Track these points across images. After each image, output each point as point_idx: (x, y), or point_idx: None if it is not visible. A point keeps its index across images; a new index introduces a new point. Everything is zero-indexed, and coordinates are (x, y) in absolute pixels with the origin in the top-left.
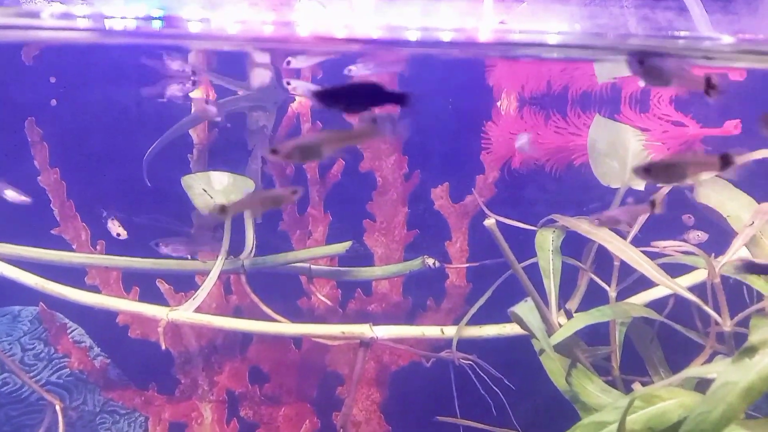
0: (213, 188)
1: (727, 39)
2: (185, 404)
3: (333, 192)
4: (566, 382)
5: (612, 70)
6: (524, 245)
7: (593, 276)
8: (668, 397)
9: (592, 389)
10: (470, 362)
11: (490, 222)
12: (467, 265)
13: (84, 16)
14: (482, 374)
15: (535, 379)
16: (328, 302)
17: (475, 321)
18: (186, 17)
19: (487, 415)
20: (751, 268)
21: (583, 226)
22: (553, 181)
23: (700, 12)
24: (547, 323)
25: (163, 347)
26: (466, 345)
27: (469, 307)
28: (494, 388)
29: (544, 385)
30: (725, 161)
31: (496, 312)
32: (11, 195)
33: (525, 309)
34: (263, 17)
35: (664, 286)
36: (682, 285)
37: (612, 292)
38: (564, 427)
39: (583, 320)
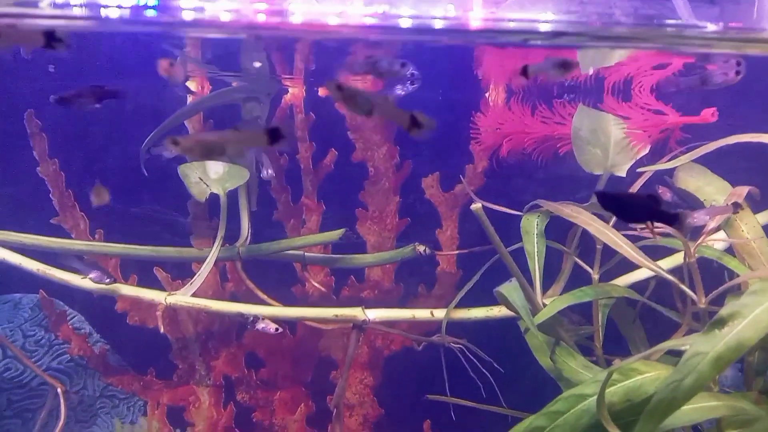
0: (209, 177)
1: (711, 27)
2: (183, 389)
3: (326, 182)
4: (550, 360)
5: (594, 59)
6: (511, 232)
7: (577, 259)
8: (645, 370)
9: (574, 366)
10: (460, 346)
11: (476, 206)
12: (457, 252)
13: (80, 5)
14: (472, 357)
15: (522, 360)
16: (322, 289)
17: (465, 305)
18: (180, 5)
19: (477, 396)
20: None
21: (566, 210)
22: (540, 169)
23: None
24: (532, 304)
25: (162, 330)
26: (456, 329)
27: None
28: (483, 370)
29: (531, 366)
30: (414, 122)
31: (486, 297)
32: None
33: (510, 289)
34: (256, 5)
35: (644, 267)
36: (660, 266)
37: (595, 275)
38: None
39: (566, 300)
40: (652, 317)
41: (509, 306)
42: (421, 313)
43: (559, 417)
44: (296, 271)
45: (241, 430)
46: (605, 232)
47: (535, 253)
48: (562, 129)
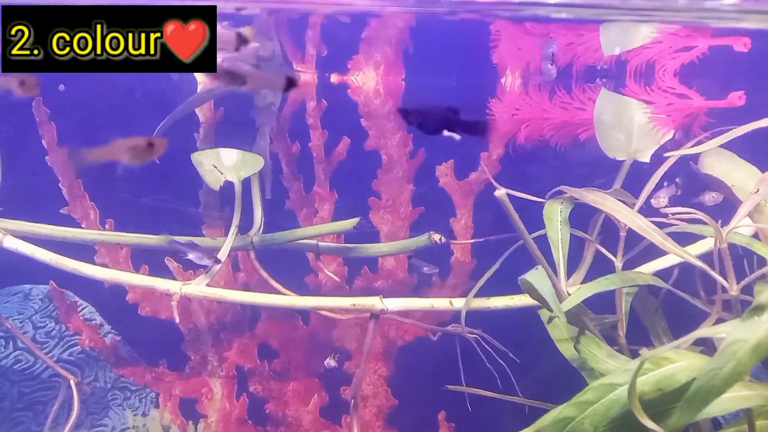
0: (223, 165)
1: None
2: (195, 380)
3: (338, 170)
4: (575, 350)
5: (617, 39)
6: (528, 224)
7: (600, 247)
8: (677, 359)
9: (600, 355)
10: (476, 336)
11: (500, 192)
12: (472, 240)
13: None
14: (488, 348)
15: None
16: (336, 279)
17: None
18: None
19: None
20: None
21: (590, 196)
22: (558, 156)
23: None
24: (557, 292)
25: (177, 320)
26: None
27: (474, 282)
28: (500, 361)
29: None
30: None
31: (498, 287)
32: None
33: (536, 276)
34: None
35: (672, 253)
36: (689, 252)
37: (618, 263)
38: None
39: (592, 288)
40: (672, 307)
41: (534, 294)
42: (440, 303)
43: (588, 407)
44: (309, 261)
45: (254, 422)
46: (633, 219)
47: (559, 241)
48: (583, 114)
